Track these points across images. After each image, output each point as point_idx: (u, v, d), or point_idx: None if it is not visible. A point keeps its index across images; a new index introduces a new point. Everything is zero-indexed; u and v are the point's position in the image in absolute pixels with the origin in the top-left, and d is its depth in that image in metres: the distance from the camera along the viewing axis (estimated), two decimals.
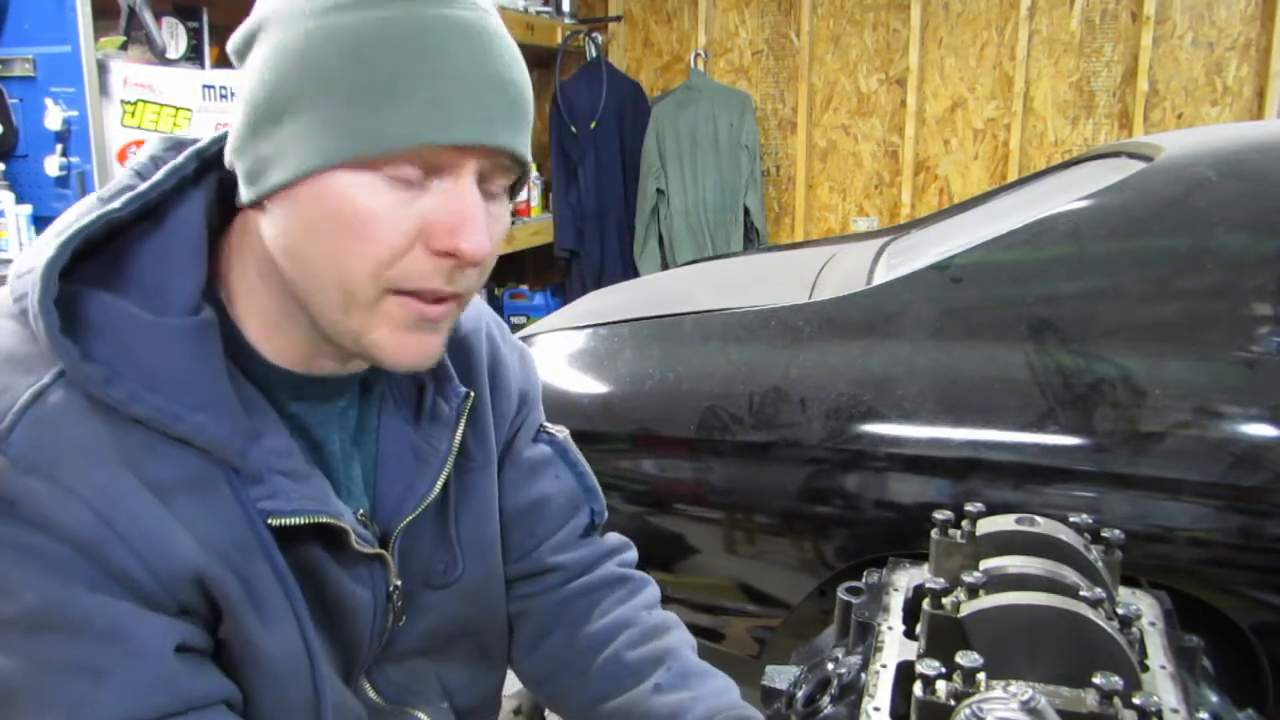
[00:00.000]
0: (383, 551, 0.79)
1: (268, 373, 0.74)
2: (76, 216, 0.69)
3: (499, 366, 0.94)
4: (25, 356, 0.65)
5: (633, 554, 1.05)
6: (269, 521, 0.69)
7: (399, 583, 0.81)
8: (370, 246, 0.66)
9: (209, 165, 0.72)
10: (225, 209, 0.73)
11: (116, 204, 0.68)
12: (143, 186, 0.69)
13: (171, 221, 0.70)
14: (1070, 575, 1.07)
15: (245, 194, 0.69)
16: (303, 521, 0.70)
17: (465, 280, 0.70)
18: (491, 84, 0.66)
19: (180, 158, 0.71)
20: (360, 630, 0.79)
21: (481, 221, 0.68)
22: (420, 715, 0.87)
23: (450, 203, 0.67)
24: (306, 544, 0.73)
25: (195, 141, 0.74)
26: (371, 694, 0.84)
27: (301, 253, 0.68)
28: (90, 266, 0.67)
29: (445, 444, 0.83)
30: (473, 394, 0.86)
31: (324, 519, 0.72)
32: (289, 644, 0.71)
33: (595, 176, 4.27)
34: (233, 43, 0.70)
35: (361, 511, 0.80)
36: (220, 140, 0.72)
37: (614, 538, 1.06)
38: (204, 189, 0.72)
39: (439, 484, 0.83)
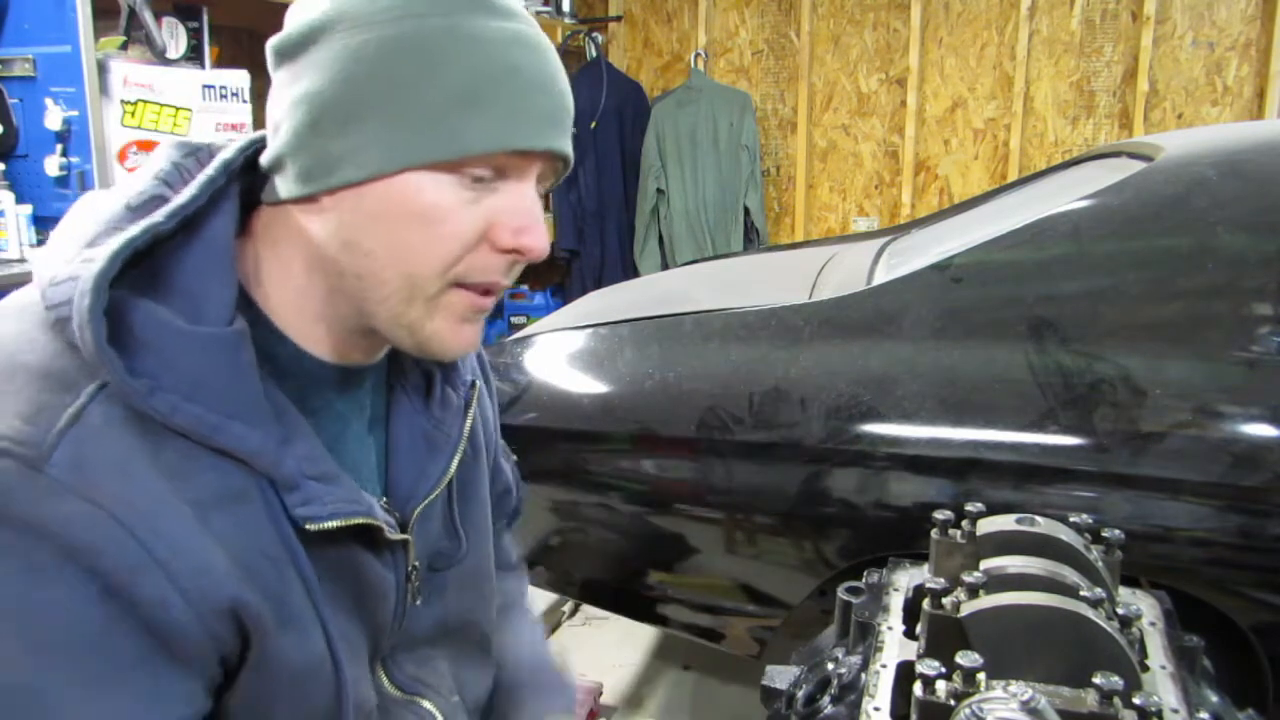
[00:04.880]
0: (407, 536, 0.82)
1: (303, 363, 0.76)
2: (106, 224, 0.69)
3: (485, 366, 1.01)
4: (61, 371, 0.65)
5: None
6: (307, 527, 0.70)
7: (417, 563, 0.84)
8: (442, 243, 0.71)
9: (233, 178, 0.74)
10: (243, 208, 0.75)
11: (159, 217, 0.68)
12: (182, 199, 0.70)
13: (205, 233, 0.71)
14: (1070, 575, 1.07)
15: (295, 189, 0.71)
16: (338, 525, 0.72)
17: (516, 272, 0.76)
18: (552, 94, 0.72)
19: (212, 170, 0.72)
20: (385, 613, 0.81)
21: (542, 221, 0.74)
22: (430, 706, 0.88)
23: (516, 204, 0.72)
24: (337, 541, 0.75)
25: (210, 147, 0.76)
26: (387, 684, 0.86)
27: (366, 247, 0.71)
28: (129, 275, 0.67)
29: (456, 430, 0.87)
30: (479, 383, 0.91)
31: (359, 520, 0.74)
32: (313, 654, 0.73)
33: (595, 176, 4.27)
34: (287, 39, 0.71)
35: (384, 500, 0.83)
36: (246, 150, 0.75)
37: (513, 547, 1.16)
38: (231, 200, 0.73)
39: (451, 469, 0.86)
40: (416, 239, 0.70)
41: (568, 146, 0.74)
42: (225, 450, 0.67)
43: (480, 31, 0.69)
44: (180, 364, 0.66)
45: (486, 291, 0.75)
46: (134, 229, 0.67)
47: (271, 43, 0.72)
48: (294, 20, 0.71)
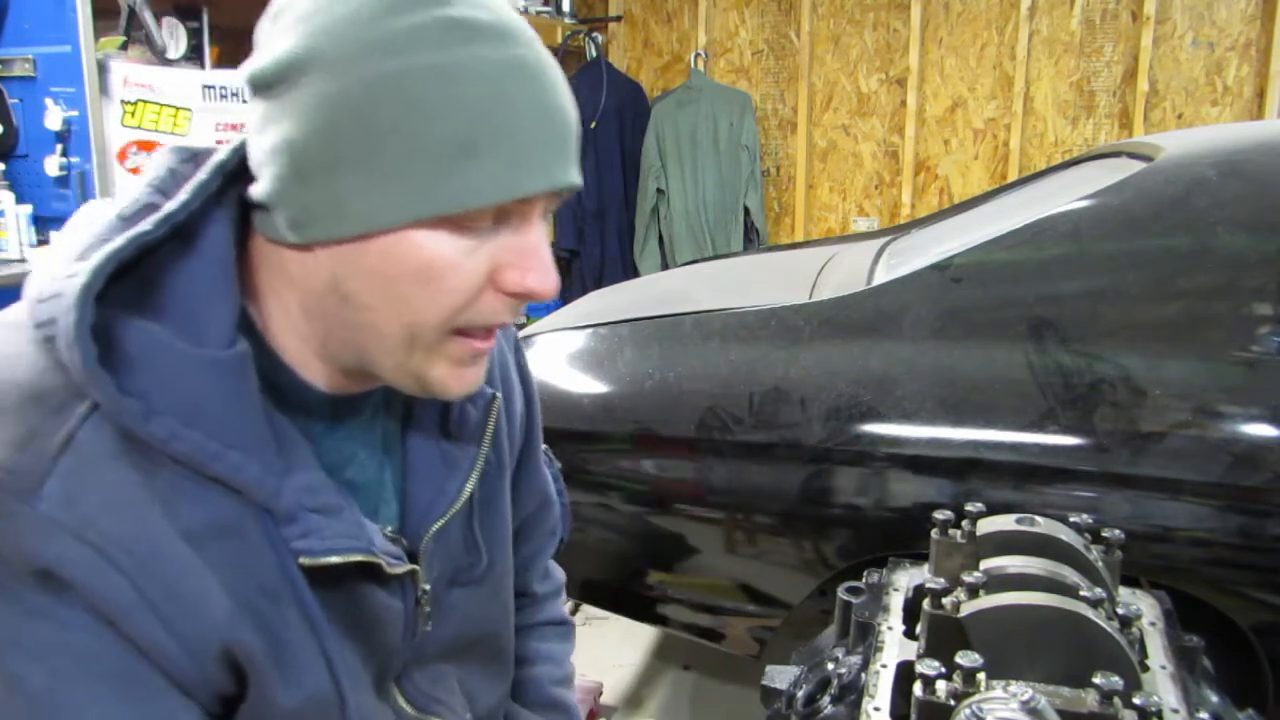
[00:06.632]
0: (415, 567, 0.79)
1: (304, 394, 0.73)
2: (96, 236, 0.65)
3: (507, 369, 0.96)
4: (51, 391, 0.62)
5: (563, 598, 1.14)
6: (301, 562, 0.68)
7: (427, 587, 0.82)
8: (445, 297, 0.67)
9: (230, 180, 0.70)
10: (245, 223, 0.71)
11: (147, 225, 0.64)
12: (172, 206, 0.66)
13: (202, 243, 0.67)
14: (1070, 575, 1.07)
15: (286, 235, 0.66)
16: (337, 561, 0.69)
17: (521, 309, 0.72)
18: (556, 125, 0.66)
19: (204, 174, 0.68)
20: (393, 639, 0.79)
21: (549, 259, 0.69)
22: None
23: (521, 245, 0.68)
24: (340, 572, 0.72)
25: (209, 152, 0.71)
26: (402, 702, 0.84)
27: (364, 300, 0.67)
28: (121, 290, 0.63)
29: (473, 447, 0.84)
30: (499, 395, 0.87)
31: (357, 557, 0.71)
32: (317, 688, 0.71)
33: (595, 176, 4.27)
34: (260, 74, 0.65)
35: (390, 529, 0.80)
36: (239, 153, 0.70)
37: (558, 571, 1.13)
38: (228, 207, 0.69)
39: (469, 487, 0.83)
40: (417, 294, 0.66)
41: (575, 176, 0.68)
42: (222, 479, 0.64)
43: (471, 67, 0.62)
44: (178, 387, 0.63)
45: (489, 332, 0.71)
46: (120, 240, 0.63)
47: (246, 74, 0.66)
48: (268, 52, 0.65)
